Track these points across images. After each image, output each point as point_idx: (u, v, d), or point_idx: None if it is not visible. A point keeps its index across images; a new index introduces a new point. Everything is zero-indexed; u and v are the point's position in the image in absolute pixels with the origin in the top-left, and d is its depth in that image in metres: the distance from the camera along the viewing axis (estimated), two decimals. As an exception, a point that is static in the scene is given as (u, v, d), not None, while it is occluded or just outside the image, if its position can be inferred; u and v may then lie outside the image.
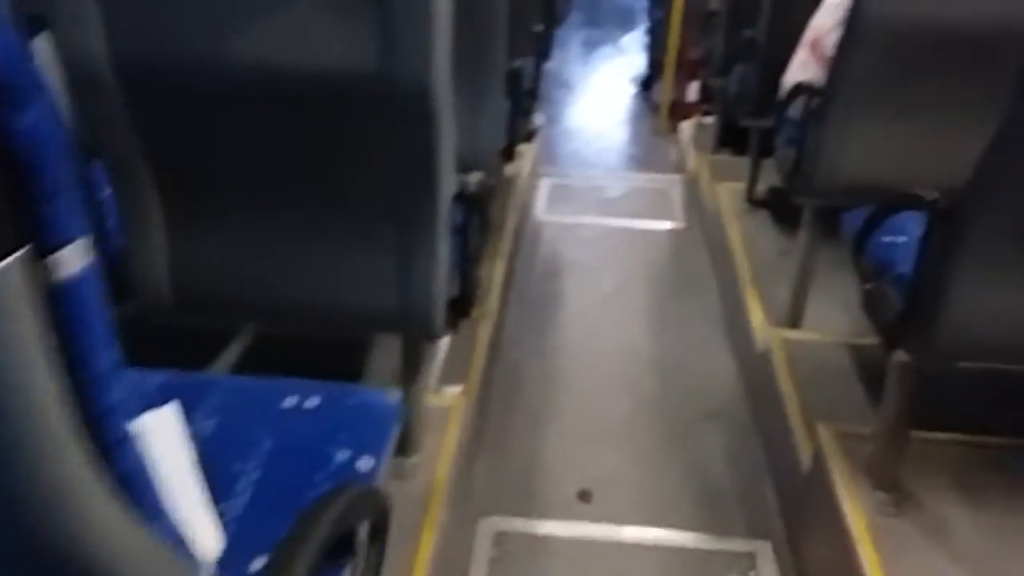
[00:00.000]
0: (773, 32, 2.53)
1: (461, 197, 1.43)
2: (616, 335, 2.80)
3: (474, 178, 1.45)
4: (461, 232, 1.47)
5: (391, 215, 1.33)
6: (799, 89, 2.07)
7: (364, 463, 1.04)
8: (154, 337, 1.83)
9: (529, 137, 3.73)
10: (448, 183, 1.32)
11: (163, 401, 1.02)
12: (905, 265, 1.50)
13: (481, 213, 1.63)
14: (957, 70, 1.79)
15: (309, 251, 1.40)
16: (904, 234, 1.62)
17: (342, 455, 1.03)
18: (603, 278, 3.14)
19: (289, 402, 1.11)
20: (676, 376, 2.59)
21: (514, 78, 2.19)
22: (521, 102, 2.34)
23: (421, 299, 1.40)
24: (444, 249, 1.38)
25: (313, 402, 1.11)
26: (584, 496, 2.11)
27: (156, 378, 1.20)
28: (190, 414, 1.11)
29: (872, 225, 1.61)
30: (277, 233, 1.38)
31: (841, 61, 1.85)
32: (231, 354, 1.99)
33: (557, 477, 2.18)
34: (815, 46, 2.08)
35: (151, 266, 1.42)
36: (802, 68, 2.12)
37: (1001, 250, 1.31)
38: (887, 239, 1.66)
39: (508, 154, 2.36)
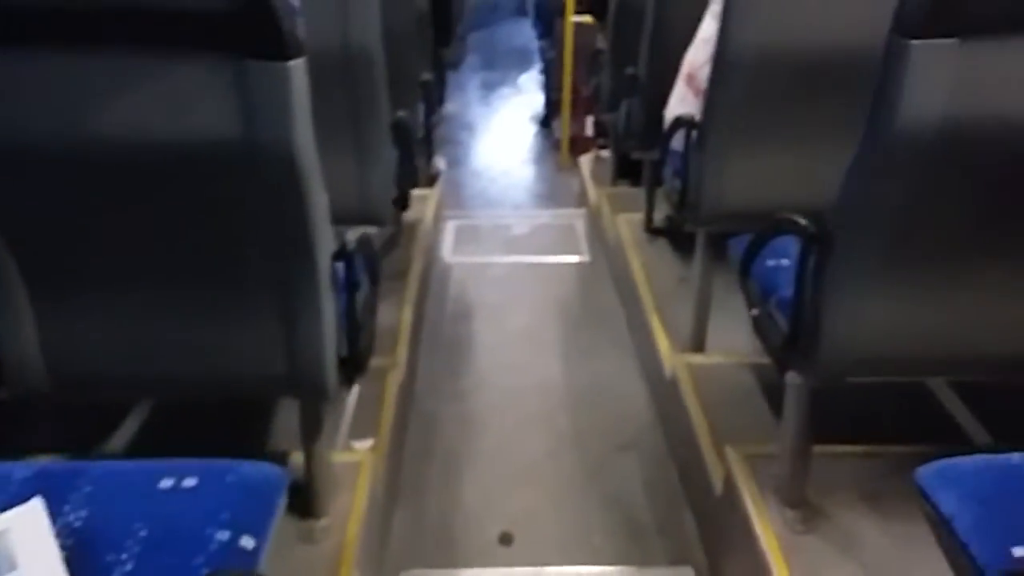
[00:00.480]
0: (653, 68, 2.59)
1: (343, 253, 1.41)
2: (530, 372, 2.80)
3: (353, 235, 1.43)
4: (347, 288, 1.45)
5: (270, 280, 1.30)
6: (679, 122, 2.13)
7: (246, 542, 1.00)
8: (40, 420, 1.76)
9: (431, 182, 3.74)
10: (325, 243, 1.30)
11: (31, 494, 0.97)
12: (788, 288, 1.53)
13: (370, 266, 1.61)
14: (822, 96, 1.85)
15: (189, 321, 1.36)
16: (787, 257, 1.66)
17: (222, 536, 0.99)
18: (514, 316, 3.14)
19: (165, 483, 1.07)
20: (590, 409, 2.60)
21: (400, 128, 2.19)
22: (411, 151, 2.34)
23: (309, 361, 1.38)
24: (329, 309, 1.36)
25: (191, 482, 1.07)
26: (505, 539, 2.09)
27: (24, 470, 1.14)
28: (60, 506, 1.06)
29: (753, 251, 1.65)
30: (154, 306, 1.34)
31: (713, 93, 1.90)
32: (127, 431, 1.92)
33: (477, 522, 2.15)
34: (691, 80, 2.14)
35: (21, 348, 1.36)
36: (680, 102, 2.18)
37: (870, 269, 1.36)
38: (771, 263, 1.70)
39: (402, 203, 2.35)
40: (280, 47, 1.10)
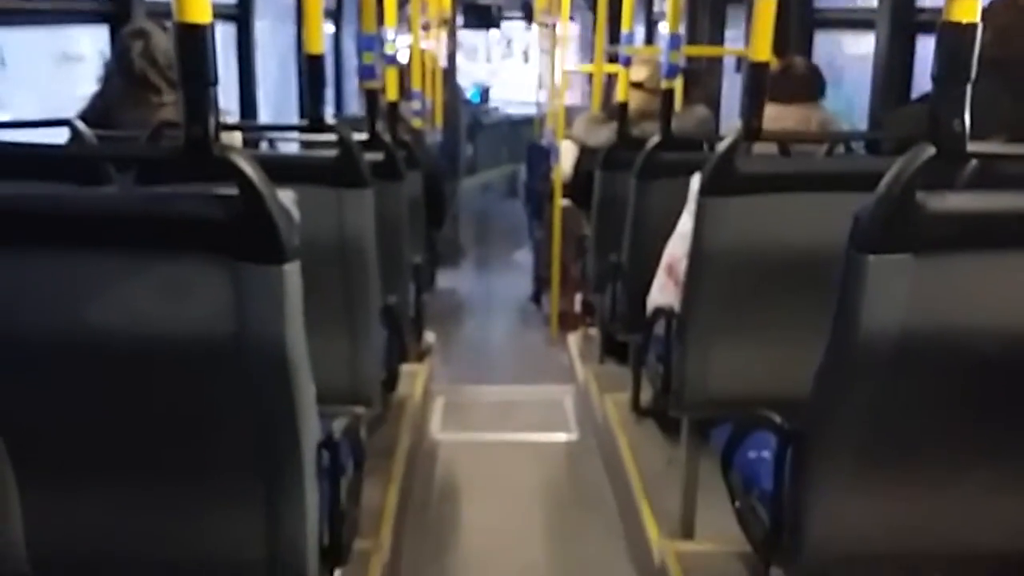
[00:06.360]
0: (634, 257, 2.70)
1: (329, 442, 1.43)
2: (517, 555, 2.74)
3: (339, 422, 1.45)
4: (332, 476, 1.46)
5: (255, 469, 1.31)
6: (659, 312, 2.20)
7: None
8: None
9: (420, 357, 3.79)
10: (310, 433, 1.32)
11: None
12: (770, 481, 1.54)
13: (355, 452, 1.62)
14: (798, 291, 1.92)
15: (172, 509, 1.36)
16: (768, 449, 1.68)
17: None
18: (501, 496, 3.11)
19: None
20: (578, 596, 2.54)
21: (390, 314, 2.25)
22: (401, 334, 2.40)
23: (290, 550, 1.37)
24: (312, 498, 1.36)
25: None
26: None
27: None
28: None
29: (734, 443, 1.67)
30: (135, 492, 1.35)
31: (691, 287, 1.98)
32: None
33: None
34: (671, 271, 2.23)
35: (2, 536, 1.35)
36: (661, 291, 2.26)
37: (845, 467, 1.38)
38: (752, 455, 1.71)
39: (391, 384, 2.38)
40: (276, 253, 1.16)
